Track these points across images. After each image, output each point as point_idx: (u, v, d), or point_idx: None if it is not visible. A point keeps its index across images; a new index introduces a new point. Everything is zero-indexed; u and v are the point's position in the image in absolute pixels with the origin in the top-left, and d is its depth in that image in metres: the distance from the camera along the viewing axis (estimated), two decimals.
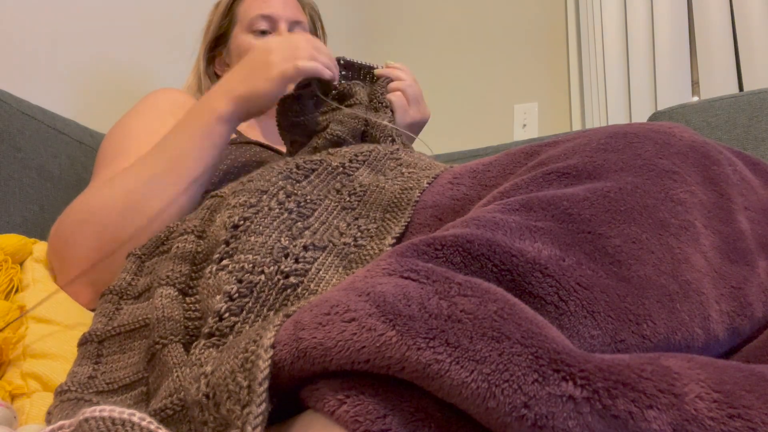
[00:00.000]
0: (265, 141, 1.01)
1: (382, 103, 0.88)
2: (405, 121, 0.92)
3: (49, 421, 0.47)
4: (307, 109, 0.83)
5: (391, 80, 0.93)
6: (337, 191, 0.60)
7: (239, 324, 0.43)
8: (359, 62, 0.95)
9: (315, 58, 0.78)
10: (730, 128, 1.15)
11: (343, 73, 0.95)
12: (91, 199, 0.73)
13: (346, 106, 0.83)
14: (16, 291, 0.68)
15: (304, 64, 0.77)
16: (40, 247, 0.77)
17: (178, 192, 0.72)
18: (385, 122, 0.83)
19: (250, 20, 1.07)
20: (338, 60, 0.91)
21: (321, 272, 0.49)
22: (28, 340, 0.60)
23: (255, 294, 0.45)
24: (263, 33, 1.07)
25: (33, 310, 0.63)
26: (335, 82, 0.83)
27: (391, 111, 0.89)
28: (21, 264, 0.74)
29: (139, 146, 0.84)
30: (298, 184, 0.60)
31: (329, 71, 0.79)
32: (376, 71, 0.95)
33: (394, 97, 0.91)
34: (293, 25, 1.09)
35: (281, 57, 0.77)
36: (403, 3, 2.41)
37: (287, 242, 0.50)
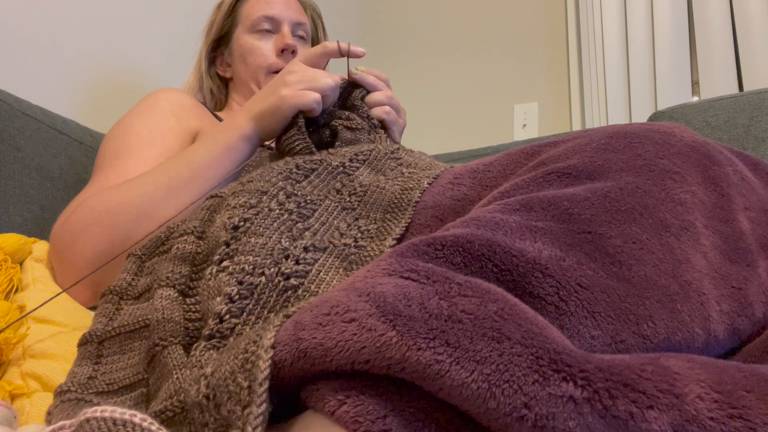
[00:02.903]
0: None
1: (372, 123, 0.86)
2: (395, 135, 0.92)
3: (49, 421, 0.47)
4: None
5: (366, 91, 0.90)
6: (338, 191, 0.60)
7: (240, 326, 0.43)
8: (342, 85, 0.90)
9: (317, 89, 0.79)
10: (730, 128, 1.15)
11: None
12: (105, 200, 0.73)
13: (348, 129, 0.83)
14: (16, 291, 0.68)
15: (301, 99, 0.77)
16: (39, 247, 0.76)
17: (193, 203, 0.73)
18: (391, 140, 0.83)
19: (253, 21, 1.08)
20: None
21: (321, 273, 0.49)
22: (28, 340, 0.60)
23: (255, 296, 0.45)
24: (266, 34, 1.07)
25: (34, 311, 0.63)
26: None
27: (383, 128, 0.87)
28: (21, 263, 0.74)
29: (140, 146, 0.84)
30: (298, 185, 0.60)
31: (319, 110, 0.80)
32: (353, 77, 0.90)
33: (384, 114, 0.88)
34: (296, 26, 1.10)
35: (296, 79, 0.79)
36: (403, 4, 2.41)
37: (288, 243, 0.50)
